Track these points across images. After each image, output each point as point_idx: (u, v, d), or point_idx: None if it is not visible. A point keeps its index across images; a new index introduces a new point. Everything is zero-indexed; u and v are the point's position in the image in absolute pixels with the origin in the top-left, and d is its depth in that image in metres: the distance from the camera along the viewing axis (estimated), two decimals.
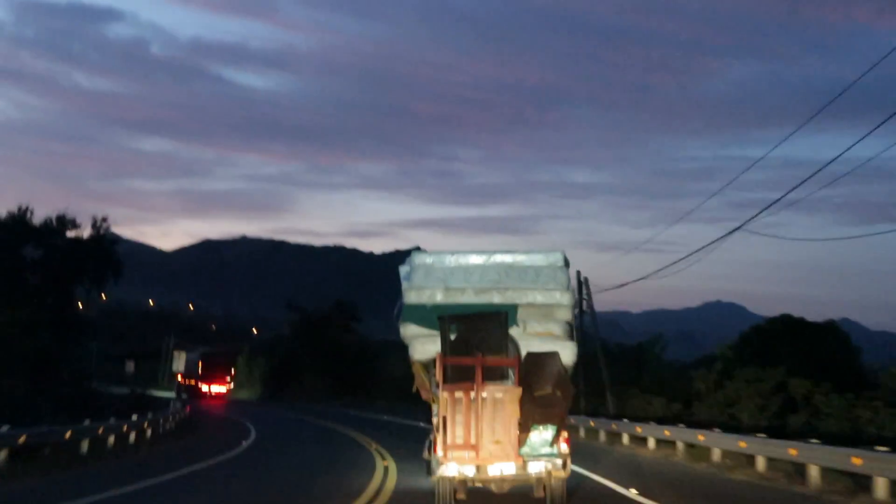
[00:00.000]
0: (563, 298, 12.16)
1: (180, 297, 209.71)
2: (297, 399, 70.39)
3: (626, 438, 27.65)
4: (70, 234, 55.02)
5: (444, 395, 11.45)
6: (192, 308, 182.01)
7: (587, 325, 38.08)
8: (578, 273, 36.98)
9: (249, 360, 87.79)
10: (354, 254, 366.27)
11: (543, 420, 11.72)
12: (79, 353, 57.44)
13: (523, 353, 11.85)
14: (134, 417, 26.98)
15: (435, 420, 11.87)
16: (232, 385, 76.08)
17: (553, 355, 11.87)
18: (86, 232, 55.90)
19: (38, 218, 54.03)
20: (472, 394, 11.37)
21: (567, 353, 12.04)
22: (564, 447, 11.80)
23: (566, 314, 12.23)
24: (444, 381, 11.50)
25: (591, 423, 31.46)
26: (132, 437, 25.73)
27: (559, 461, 11.73)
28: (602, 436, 29.93)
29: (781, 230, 54.16)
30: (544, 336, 12.03)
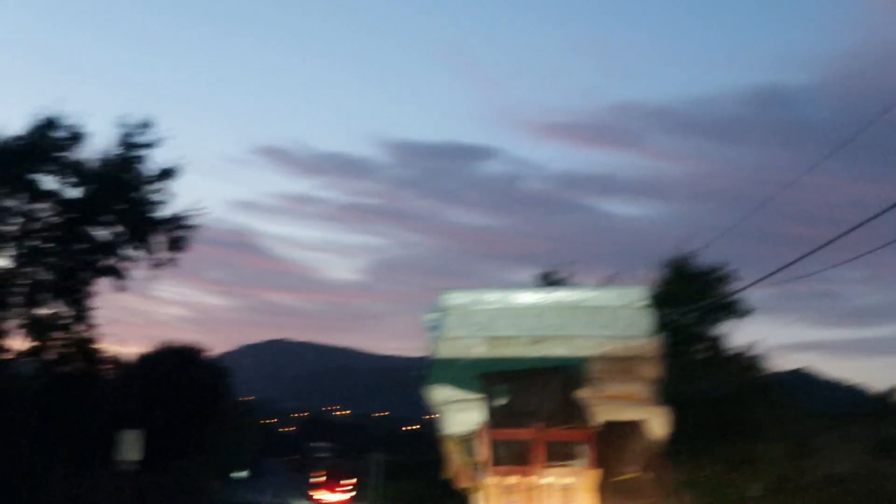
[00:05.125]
0: (649, 349, 9.05)
1: None
2: None
3: None
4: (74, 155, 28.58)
5: (492, 481, 8.39)
6: None
7: None
8: None
9: None
10: None
11: None
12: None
13: (599, 422, 8.77)
14: None
15: None
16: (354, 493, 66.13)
17: (639, 425, 8.79)
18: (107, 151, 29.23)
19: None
20: (532, 479, 8.33)
21: (657, 422, 8.92)
22: None
23: (653, 370, 9.07)
24: (493, 462, 8.45)
25: None
26: None
27: None
28: None
29: None
30: (625, 400, 8.92)
